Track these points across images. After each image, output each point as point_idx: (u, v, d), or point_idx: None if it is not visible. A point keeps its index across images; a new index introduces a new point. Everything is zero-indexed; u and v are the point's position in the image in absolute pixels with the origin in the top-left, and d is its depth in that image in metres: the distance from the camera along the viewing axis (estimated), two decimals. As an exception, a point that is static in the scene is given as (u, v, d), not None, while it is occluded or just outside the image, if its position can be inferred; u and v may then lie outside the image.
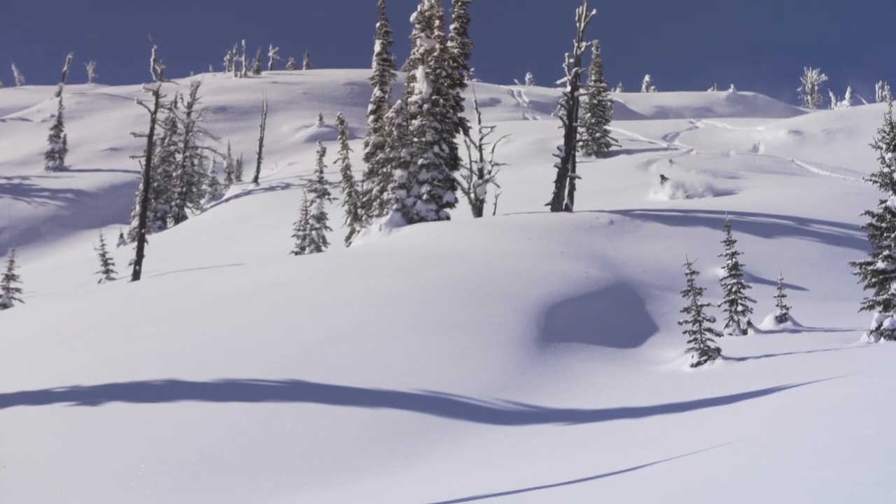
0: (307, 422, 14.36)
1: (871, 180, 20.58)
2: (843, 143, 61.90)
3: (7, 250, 46.91)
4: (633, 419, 14.15)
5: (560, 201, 36.29)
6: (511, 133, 51.93)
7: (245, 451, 13.25)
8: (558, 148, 37.74)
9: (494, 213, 36.89)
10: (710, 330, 18.65)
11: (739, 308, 21.46)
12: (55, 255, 62.81)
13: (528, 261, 25.52)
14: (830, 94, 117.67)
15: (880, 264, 18.94)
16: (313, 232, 41.08)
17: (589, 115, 56.58)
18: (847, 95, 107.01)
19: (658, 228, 31.39)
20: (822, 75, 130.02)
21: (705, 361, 18.34)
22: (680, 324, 19.40)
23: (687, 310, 18.91)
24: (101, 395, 15.68)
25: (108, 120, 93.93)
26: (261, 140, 76.24)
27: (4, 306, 37.48)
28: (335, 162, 43.98)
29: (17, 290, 38.89)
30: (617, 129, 61.98)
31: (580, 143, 51.41)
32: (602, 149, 56.55)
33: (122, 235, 61.01)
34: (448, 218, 35.69)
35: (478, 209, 37.15)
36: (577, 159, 40.12)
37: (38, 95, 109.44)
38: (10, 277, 39.05)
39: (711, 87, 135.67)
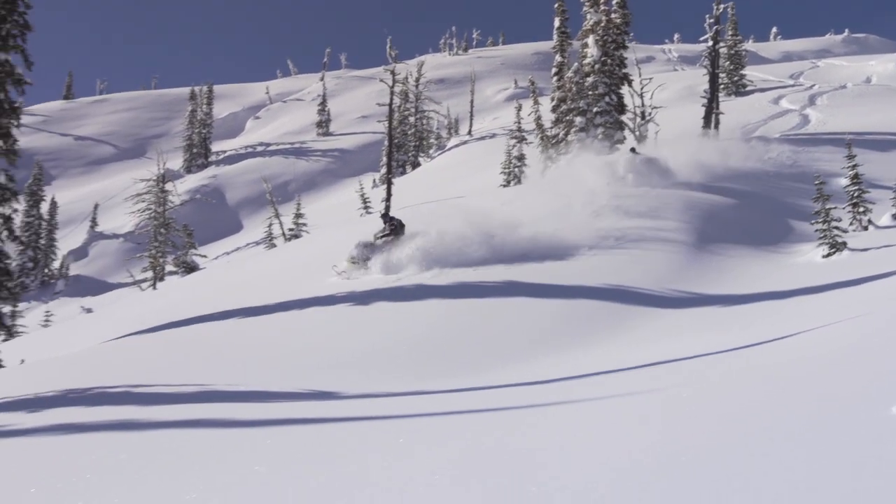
0: (521, 312, 14.54)
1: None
2: (947, 70, 56.54)
3: (294, 196, 49.47)
4: (777, 301, 13.63)
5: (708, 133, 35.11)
6: (664, 83, 50.05)
7: (477, 334, 13.56)
8: (704, 91, 36.45)
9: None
10: (837, 227, 17.72)
11: (861, 209, 20.24)
12: (327, 197, 65.30)
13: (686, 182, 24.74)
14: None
15: (984, 167, 17.58)
16: (515, 169, 41.25)
17: (728, 63, 53.97)
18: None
19: (789, 149, 29.76)
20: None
21: (834, 253, 17.47)
22: (811, 224, 18.51)
23: (817, 213, 18.02)
24: (370, 298, 16.35)
25: (359, 96, 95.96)
26: (471, 102, 76.22)
27: (296, 236, 39.62)
28: (529, 115, 43.72)
29: (304, 224, 41.20)
30: (751, 73, 58.72)
31: (721, 86, 49.09)
32: (740, 89, 53.81)
33: (374, 181, 62.55)
34: (618, 152, 34.96)
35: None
36: (720, 99, 38.56)
37: (306, 81, 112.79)
38: (298, 216, 41.57)
39: (829, 33, 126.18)
